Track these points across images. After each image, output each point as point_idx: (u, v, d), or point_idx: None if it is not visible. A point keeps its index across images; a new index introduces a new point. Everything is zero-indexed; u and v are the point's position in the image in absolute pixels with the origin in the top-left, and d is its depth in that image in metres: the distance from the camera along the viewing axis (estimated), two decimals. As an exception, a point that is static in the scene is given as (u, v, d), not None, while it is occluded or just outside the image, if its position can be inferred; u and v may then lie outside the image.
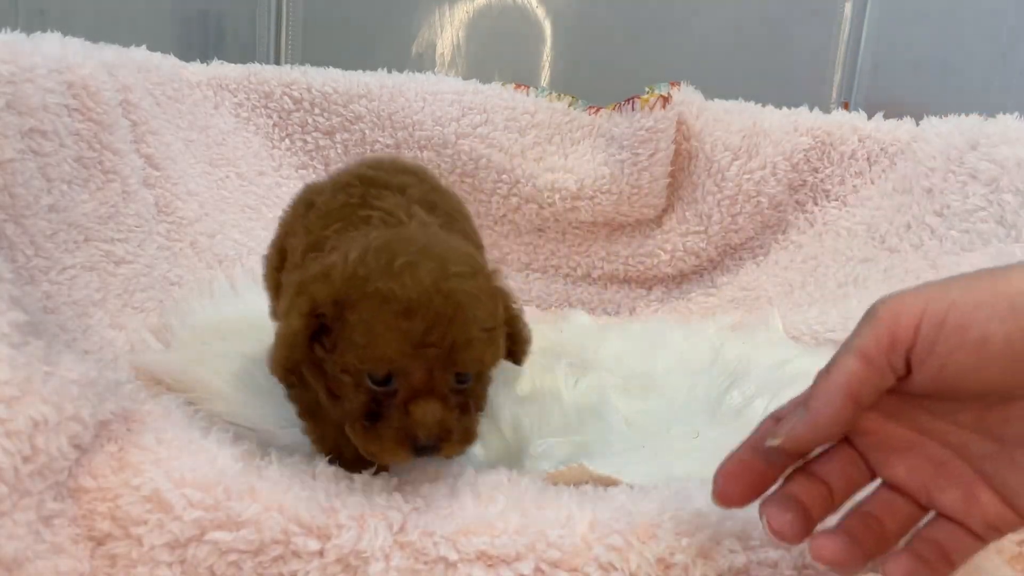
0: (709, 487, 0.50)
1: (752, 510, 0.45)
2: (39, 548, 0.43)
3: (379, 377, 0.50)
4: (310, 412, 0.59)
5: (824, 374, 0.40)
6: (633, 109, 1.08)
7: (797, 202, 1.09)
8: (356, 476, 0.51)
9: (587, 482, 0.54)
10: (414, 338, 0.48)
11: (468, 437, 0.51)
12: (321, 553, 0.46)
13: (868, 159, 1.04)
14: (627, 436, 0.68)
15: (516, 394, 0.74)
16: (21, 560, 0.42)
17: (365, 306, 0.49)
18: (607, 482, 0.55)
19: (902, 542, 0.41)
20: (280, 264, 0.64)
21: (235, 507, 0.46)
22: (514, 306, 0.56)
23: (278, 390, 0.70)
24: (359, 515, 0.47)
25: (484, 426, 0.57)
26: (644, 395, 0.77)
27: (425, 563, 0.45)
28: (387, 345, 0.48)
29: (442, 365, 0.49)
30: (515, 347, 0.57)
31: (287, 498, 0.47)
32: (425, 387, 0.50)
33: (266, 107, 1.13)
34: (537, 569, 0.45)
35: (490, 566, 0.45)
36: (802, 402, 0.41)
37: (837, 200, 1.06)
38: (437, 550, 0.46)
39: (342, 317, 0.50)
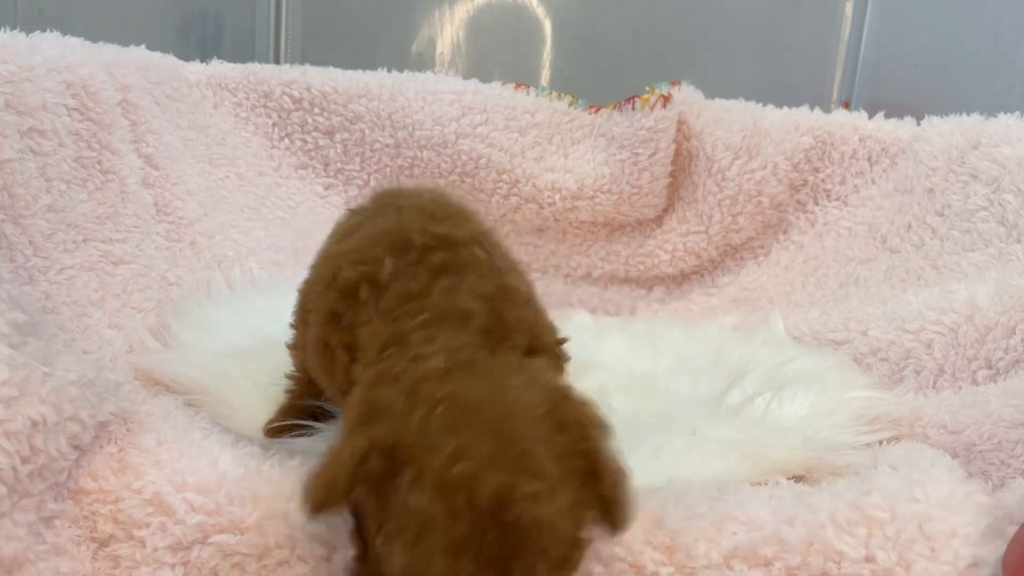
0: (710, 486, 0.50)
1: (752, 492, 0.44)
2: (40, 549, 0.43)
3: None
4: None
5: None
6: (633, 109, 1.07)
7: (798, 202, 1.08)
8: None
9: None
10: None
11: None
12: (328, 559, 0.45)
13: (869, 159, 1.04)
14: (627, 436, 0.68)
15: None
16: (21, 561, 0.42)
17: (408, 517, 0.38)
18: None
19: None
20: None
21: (237, 512, 0.46)
22: (607, 456, 0.43)
23: (276, 391, 0.70)
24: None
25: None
26: (645, 395, 0.77)
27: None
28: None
29: None
30: (609, 513, 0.42)
31: (290, 506, 0.47)
32: None
33: (265, 107, 1.12)
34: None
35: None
36: None
37: (838, 200, 1.05)
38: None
39: (385, 491, 0.39)
